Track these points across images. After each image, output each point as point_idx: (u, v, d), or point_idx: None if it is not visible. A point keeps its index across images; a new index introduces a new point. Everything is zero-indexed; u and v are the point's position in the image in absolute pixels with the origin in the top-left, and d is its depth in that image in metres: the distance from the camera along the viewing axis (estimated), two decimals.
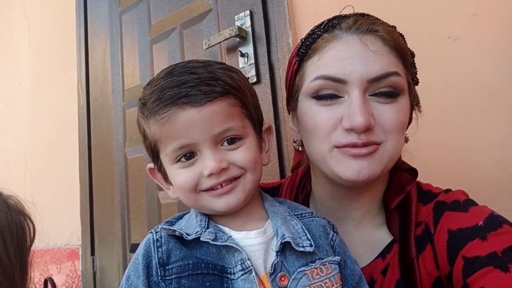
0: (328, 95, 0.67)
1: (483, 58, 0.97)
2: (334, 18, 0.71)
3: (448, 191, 0.71)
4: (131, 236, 1.74)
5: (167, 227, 0.61)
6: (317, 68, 0.68)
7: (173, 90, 0.57)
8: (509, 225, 0.61)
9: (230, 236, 0.59)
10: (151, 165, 0.67)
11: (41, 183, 2.15)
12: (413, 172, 0.74)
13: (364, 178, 0.65)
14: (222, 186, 0.59)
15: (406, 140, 0.74)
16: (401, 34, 0.72)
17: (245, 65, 1.36)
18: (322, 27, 0.71)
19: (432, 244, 0.66)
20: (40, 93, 2.25)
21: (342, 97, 0.66)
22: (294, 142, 0.81)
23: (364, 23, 0.67)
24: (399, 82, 0.66)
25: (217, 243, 0.57)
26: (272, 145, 0.74)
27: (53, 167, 2.11)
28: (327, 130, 0.66)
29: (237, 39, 1.37)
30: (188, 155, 0.59)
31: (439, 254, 0.64)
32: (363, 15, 0.71)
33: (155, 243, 0.59)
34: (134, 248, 1.73)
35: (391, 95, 0.66)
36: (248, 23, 1.36)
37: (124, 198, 1.78)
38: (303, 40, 0.73)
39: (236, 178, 0.59)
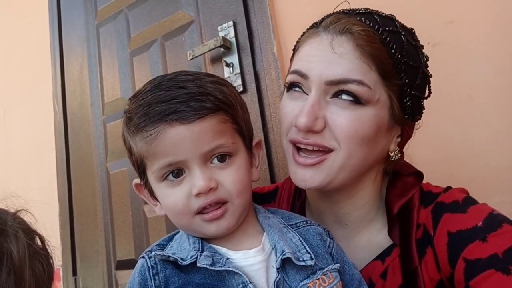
0: (296, 86, 0.69)
1: (461, 62, 1.03)
2: (328, 15, 0.72)
3: (447, 189, 0.71)
4: (117, 253, 1.69)
5: (160, 252, 0.57)
6: (294, 63, 0.71)
7: (161, 106, 0.55)
8: (509, 223, 0.61)
9: (228, 259, 0.56)
10: (138, 180, 0.65)
11: (16, 203, 2.05)
12: (419, 175, 0.73)
13: (310, 186, 0.66)
14: (211, 206, 0.56)
15: (396, 155, 0.71)
16: (402, 40, 0.66)
17: (230, 75, 1.37)
18: (314, 23, 0.73)
19: (433, 247, 0.65)
20: (12, 109, 2.16)
21: (307, 94, 0.68)
22: None
23: (341, 23, 0.66)
24: (361, 91, 0.63)
25: (215, 268, 0.54)
26: (262, 154, 0.74)
27: (28, 186, 2.02)
28: (287, 126, 0.68)
29: (222, 49, 1.38)
30: (176, 172, 0.57)
31: (440, 256, 0.64)
32: (349, 13, 0.69)
33: (151, 270, 0.56)
34: (120, 265, 1.68)
35: (352, 101, 0.64)
36: (232, 33, 1.38)
37: (108, 214, 1.73)
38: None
39: (225, 202, 0.57)
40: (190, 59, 1.42)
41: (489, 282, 0.57)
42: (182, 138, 0.54)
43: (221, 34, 1.40)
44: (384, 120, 0.66)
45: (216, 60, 1.43)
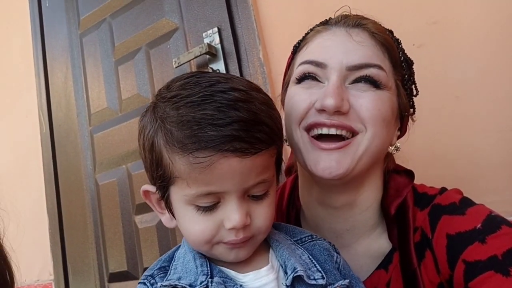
0: (308, 77, 0.68)
1: (447, 62, 1.03)
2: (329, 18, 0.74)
3: (443, 191, 0.70)
4: (109, 266, 1.67)
5: (166, 283, 0.53)
6: (303, 56, 0.70)
7: (216, 130, 0.49)
8: (507, 225, 0.61)
9: (241, 285, 0.53)
10: (149, 187, 0.58)
11: (4, 218, 2.02)
12: (409, 174, 0.73)
13: (335, 174, 0.63)
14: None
15: (397, 149, 0.73)
16: (396, 38, 0.73)
17: None
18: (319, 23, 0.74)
19: (432, 250, 0.65)
20: None
21: (322, 83, 0.67)
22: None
23: (352, 18, 0.69)
24: (381, 75, 0.65)
25: None
26: None
27: (16, 199, 1.98)
28: (301, 113, 0.66)
29: (207, 56, 1.37)
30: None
31: (439, 259, 0.64)
32: (356, 15, 0.72)
33: None
34: (112, 277, 1.66)
35: (371, 84, 0.65)
36: (217, 40, 1.37)
37: (98, 226, 1.70)
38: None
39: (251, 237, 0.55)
40: (176, 67, 1.41)
41: (488, 284, 0.56)
42: (233, 171, 0.50)
43: (206, 40, 1.38)
44: (395, 107, 0.69)
45: (202, 67, 1.42)
